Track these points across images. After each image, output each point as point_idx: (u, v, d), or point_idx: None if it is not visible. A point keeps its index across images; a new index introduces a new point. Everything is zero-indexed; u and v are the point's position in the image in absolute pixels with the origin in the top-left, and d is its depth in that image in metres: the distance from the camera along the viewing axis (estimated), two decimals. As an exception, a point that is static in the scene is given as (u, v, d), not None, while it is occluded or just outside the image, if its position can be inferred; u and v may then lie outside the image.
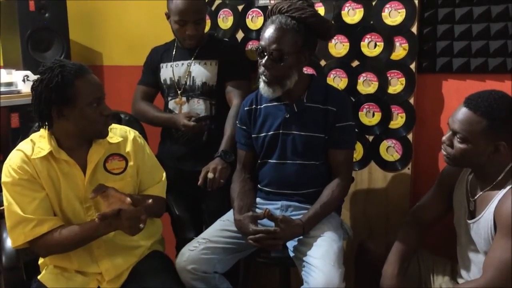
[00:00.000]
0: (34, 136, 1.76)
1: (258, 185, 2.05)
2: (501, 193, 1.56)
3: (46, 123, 1.69)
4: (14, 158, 1.71)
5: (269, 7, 1.93)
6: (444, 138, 1.64)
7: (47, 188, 1.70)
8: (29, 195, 1.67)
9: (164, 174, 1.94)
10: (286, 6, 1.83)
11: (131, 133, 1.88)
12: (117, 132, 1.85)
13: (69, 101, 1.63)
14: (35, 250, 1.71)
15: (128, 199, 1.61)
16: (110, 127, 1.80)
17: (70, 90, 1.62)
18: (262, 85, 1.89)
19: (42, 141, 1.72)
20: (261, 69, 1.86)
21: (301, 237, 1.84)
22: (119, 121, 2.09)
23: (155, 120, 2.31)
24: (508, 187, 1.55)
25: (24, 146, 1.74)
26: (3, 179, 1.70)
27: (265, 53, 1.83)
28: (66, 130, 1.70)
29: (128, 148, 1.83)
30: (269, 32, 1.82)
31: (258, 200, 2.04)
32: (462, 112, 1.56)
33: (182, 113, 2.22)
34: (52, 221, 1.68)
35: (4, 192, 1.69)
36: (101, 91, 1.71)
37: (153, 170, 1.91)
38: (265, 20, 1.93)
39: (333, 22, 2.09)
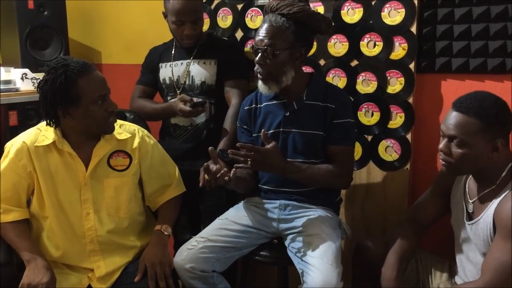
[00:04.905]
0: (41, 124, 1.80)
1: (257, 184, 2.05)
2: (501, 195, 1.56)
3: (53, 121, 1.72)
4: (16, 144, 1.76)
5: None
6: (441, 146, 1.61)
7: (42, 178, 1.74)
8: (7, 183, 1.74)
9: (177, 169, 2.00)
10: (275, 5, 1.88)
11: (140, 131, 1.91)
12: (126, 129, 1.88)
13: (74, 100, 1.66)
14: None
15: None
16: (120, 123, 1.85)
17: (74, 89, 1.65)
18: (259, 83, 1.91)
19: (48, 130, 1.76)
20: (256, 66, 1.88)
21: (298, 235, 1.84)
22: (124, 120, 2.09)
23: (154, 112, 2.29)
24: (508, 190, 1.55)
25: (28, 134, 1.78)
26: (5, 150, 1.78)
27: (259, 51, 1.85)
28: (72, 127, 1.74)
29: (135, 145, 1.86)
30: (261, 30, 1.87)
31: (256, 199, 2.04)
32: (454, 116, 1.56)
33: (178, 98, 2.18)
34: (18, 213, 1.76)
35: None
36: (105, 87, 1.74)
37: (166, 166, 1.96)
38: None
39: (332, 21, 2.09)
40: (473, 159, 1.56)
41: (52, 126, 1.73)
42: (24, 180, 1.75)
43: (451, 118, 1.57)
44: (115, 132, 1.81)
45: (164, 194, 1.95)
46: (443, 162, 1.63)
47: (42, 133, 1.76)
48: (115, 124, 1.79)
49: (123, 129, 1.86)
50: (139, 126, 1.94)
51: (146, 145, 1.89)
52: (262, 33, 1.86)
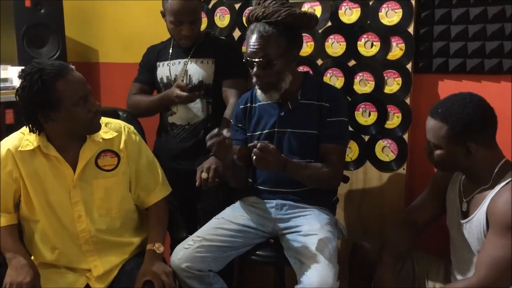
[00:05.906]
0: (25, 128, 1.75)
1: (254, 185, 2.05)
2: (493, 191, 1.57)
3: (36, 127, 1.68)
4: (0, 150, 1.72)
5: (245, 14, 1.92)
6: (425, 147, 1.68)
7: (30, 183, 1.71)
8: None
9: (160, 169, 1.95)
10: (261, 13, 1.82)
11: (126, 128, 1.87)
12: (112, 127, 1.83)
13: (54, 104, 1.60)
14: None
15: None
16: (105, 121, 1.80)
17: (53, 94, 1.59)
18: (258, 92, 1.91)
19: (32, 134, 1.71)
20: (254, 78, 1.87)
21: (294, 235, 1.85)
22: (117, 118, 2.07)
23: (151, 104, 2.28)
24: (500, 186, 1.56)
25: (12, 139, 1.74)
26: None
27: (254, 63, 1.83)
28: (56, 131, 1.69)
29: (122, 144, 1.82)
30: (252, 43, 1.83)
31: (253, 198, 2.04)
32: (428, 121, 1.63)
33: (174, 85, 2.17)
34: (5, 218, 1.73)
35: None
36: (85, 88, 1.67)
37: (151, 167, 1.91)
38: (249, 26, 1.90)
39: (317, 17, 2.07)
40: (450, 161, 1.62)
41: (35, 133, 1.69)
42: (11, 186, 1.72)
43: (427, 123, 1.64)
44: (101, 131, 1.76)
45: (150, 196, 1.90)
46: (430, 161, 1.69)
47: (26, 137, 1.72)
48: (100, 122, 1.75)
49: (109, 128, 1.82)
50: (125, 123, 1.90)
51: (133, 143, 1.85)
52: (253, 45, 1.82)
